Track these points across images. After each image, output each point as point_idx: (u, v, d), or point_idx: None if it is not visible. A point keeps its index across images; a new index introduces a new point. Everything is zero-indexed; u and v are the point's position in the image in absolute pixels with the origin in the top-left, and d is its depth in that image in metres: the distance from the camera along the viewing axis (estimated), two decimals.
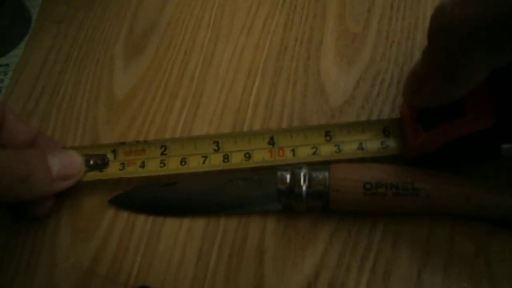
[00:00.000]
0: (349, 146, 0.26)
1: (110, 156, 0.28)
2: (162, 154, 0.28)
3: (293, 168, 0.25)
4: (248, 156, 0.27)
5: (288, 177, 0.25)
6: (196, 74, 0.33)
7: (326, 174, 0.24)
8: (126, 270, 0.27)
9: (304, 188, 0.24)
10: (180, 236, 0.27)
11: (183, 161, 0.27)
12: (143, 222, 0.28)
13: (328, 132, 0.26)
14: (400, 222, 0.25)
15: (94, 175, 0.28)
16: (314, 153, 0.26)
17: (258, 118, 0.30)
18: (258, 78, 0.32)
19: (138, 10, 0.37)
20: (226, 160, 0.27)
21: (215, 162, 0.27)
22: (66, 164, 0.27)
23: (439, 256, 0.24)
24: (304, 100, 0.30)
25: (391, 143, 0.26)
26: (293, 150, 0.26)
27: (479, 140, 0.21)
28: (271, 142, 0.27)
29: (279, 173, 0.25)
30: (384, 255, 0.24)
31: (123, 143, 0.29)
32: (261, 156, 0.27)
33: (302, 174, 0.25)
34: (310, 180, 0.24)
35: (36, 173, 0.25)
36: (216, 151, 0.27)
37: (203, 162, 0.27)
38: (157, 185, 0.28)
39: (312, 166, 0.25)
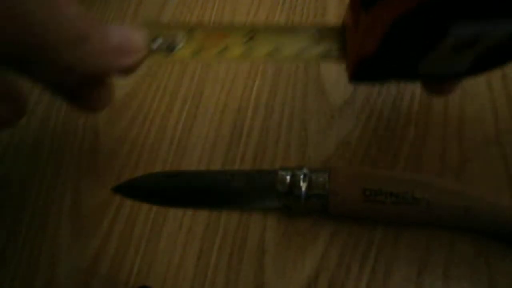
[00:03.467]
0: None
1: (183, 37, 0.23)
2: (248, 41, 0.23)
3: (294, 169, 0.25)
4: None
5: (288, 178, 0.25)
6: (196, 74, 0.33)
7: (326, 177, 0.24)
8: (126, 270, 0.27)
9: (303, 190, 0.24)
10: (180, 236, 0.27)
11: (275, 49, 0.23)
12: (143, 222, 0.28)
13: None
14: (400, 223, 0.25)
15: (160, 58, 0.23)
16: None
17: (258, 118, 0.30)
18: (258, 78, 0.32)
19: (138, 10, 0.37)
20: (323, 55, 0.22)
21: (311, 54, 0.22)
22: (127, 35, 0.22)
23: (439, 256, 0.24)
24: (304, 100, 0.30)
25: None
26: None
27: (425, 20, 0.17)
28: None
29: (279, 174, 0.25)
30: (384, 255, 0.24)
31: (202, 24, 0.24)
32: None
33: (302, 176, 0.25)
34: (310, 183, 0.24)
35: (92, 37, 0.20)
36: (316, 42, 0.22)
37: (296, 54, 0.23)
38: (159, 176, 0.28)
39: (313, 168, 0.25)
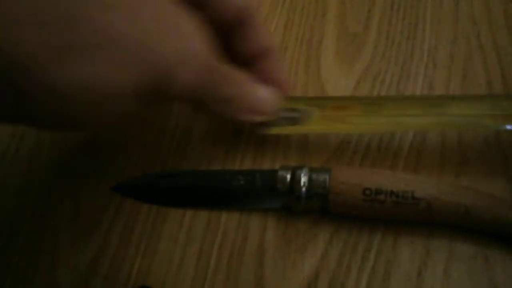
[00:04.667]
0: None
1: (313, 110, 0.26)
2: (370, 112, 0.25)
3: (294, 168, 0.25)
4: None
5: (288, 177, 0.25)
6: None
7: (327, 176, 0.24)
8: (126, 270, 0.27)
9: (303, 189, 0.24)
10: (180, 236, 0.27)
11: (398, 120, 0.25)
12: (143, 222, 0.28)
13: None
14: (400, 222, 0.25)
15: (293, 129, 0.26)
16: None
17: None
18: None
19: None
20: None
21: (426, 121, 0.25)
22: (266, 99, 0.25)
23: (439, 256, 0.24)
24: None
25: None
26: None
27: None
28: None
29: (279, 173, 0.25)
30: (384, 255, 0.24)
31: (330, 98, 0.27)
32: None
33: (302, 175, 0.25)
34: (310, 182, 0.24)
35: (238, 98, 0.24)
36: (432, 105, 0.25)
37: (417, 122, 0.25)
38: (159, 175, 0.29)
39: (313, 167, 0.25)
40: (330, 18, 0.33)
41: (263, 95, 0.25)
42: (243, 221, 0.27)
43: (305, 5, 0.34)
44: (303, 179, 0.25)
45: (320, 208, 0.25)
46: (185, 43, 0.21)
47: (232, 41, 0.26)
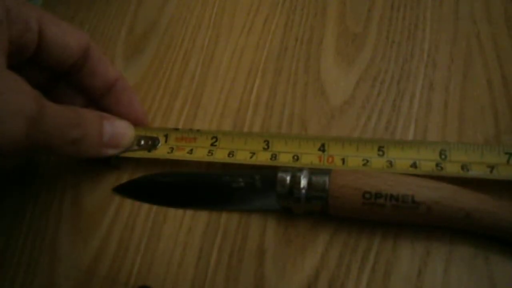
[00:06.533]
0: (402, 162, 0.25)
1: (161, 139, 0.29)
2: (212, 145, 0.28)
3: (294, 170, 0.25)
4: (296, 158, 0.27)
5: (288, 179, 0.25)
6: (196, 74, 0.33)
7: (326, 179, 0.24)
8: (126, 270, 0.27)
9: (303, 192, 0.24)
10: (180, 236, 0.27)
11: (230, 154, 0.28)
12: (143, 222, 0.28)
13: (381, 147, 0.26)
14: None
15: (142, 154, 0.29)
16: (364, 165, 0.26)
17: (258, 118, 0.30)
18: (258, 78, 0.32)
19: (138, 10, 0.37)
20: (273, 158, 0.27)
21: (262, 158, 0.27)
22: (118, 134, 0.27)
23: (439, 256, 0.24)
24: (304, 100, 0.30)
25: (448, 165, 0.25)
26: (343, 159, 0.26)
27: None
28: (322, 148, 0.27)
29: (279, 175, 0.25)
30: (384, 255, 0.24)
31: (177, 129, 0.29)
32: (310, 160, 0.26)
33: (302, 178, 0.25)
34: (310, 184, 0.24)
35: (88, 138, 0.25)
36: (265, 149, 0.27)
37: (250, 157, 0.27)
38: (160, 176, 0.29)
39: (314, 170, 0.25)
40: (330, 18, 0.33)
41: (118, 130, 0.27)
42: (243, 221, 0.27)
43: (305, 5, 0.34)
44: (303, 182, 0.24)
45: (320, 210, 0.25)
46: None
47: (80, 78, 0.27)
